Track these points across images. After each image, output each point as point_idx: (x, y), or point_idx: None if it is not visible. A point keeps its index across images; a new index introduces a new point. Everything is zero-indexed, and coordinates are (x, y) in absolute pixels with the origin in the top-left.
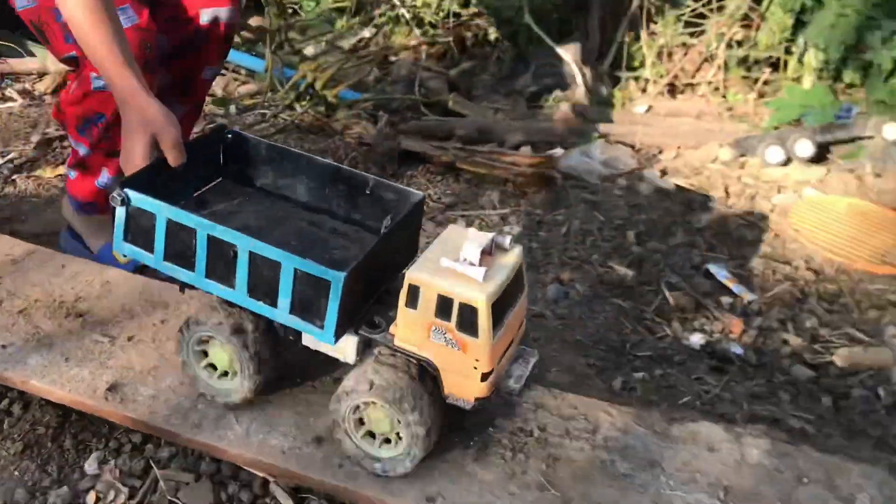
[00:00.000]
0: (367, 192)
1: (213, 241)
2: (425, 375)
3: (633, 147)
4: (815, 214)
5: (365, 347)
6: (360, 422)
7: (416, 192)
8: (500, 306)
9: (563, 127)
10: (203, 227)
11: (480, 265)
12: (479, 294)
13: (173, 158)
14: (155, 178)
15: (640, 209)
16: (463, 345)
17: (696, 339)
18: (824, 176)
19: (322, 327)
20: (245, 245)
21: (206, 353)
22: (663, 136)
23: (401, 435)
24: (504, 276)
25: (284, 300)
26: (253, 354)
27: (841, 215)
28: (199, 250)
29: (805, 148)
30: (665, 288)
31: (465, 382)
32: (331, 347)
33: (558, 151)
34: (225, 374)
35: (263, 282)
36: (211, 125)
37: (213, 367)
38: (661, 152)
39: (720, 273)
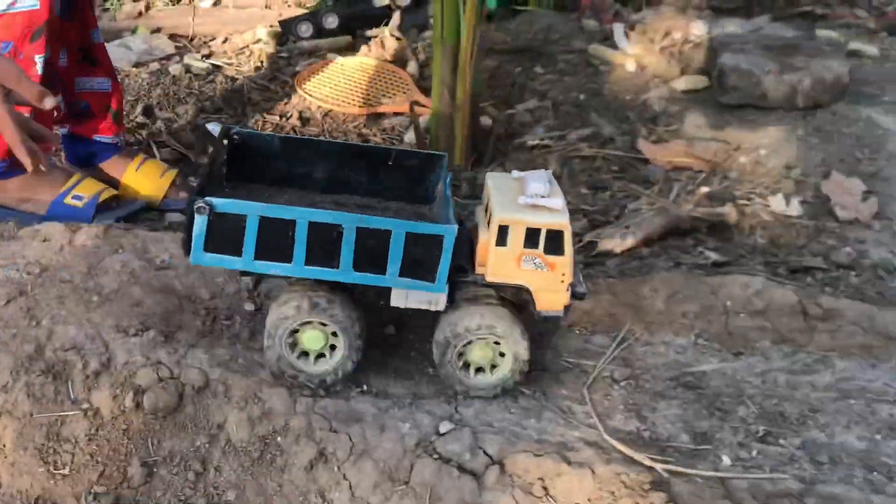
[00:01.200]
0: (390, 163)
1: (314, 227)
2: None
3: (187, 37)
4: (324, 75)
5: (451, 293)
6: (460, 356)
7: (439, 153)
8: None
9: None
10: (303, 215)
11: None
12: (562, 219)
13: (36, 97)
14: (209, 181)
15: (160, 87)
16: (551, 265)
17: None
18: (350, 43)
19: (434, 280)
20: (349, 220)
21: (295, 344)
22: (218, 25)
23: (496, 364)
24: (563, 202)
25: (394, 264)
26: (351, 326)
27: (344, 73)
28: (298, 239)
29: (332, 21)
30: None
31: (554, 297)
32: (421, 301)
33: None
34: (321, 356)
35: (368, 254)
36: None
37: (305, 353)
38: (212, 40)
39: (214, 129)
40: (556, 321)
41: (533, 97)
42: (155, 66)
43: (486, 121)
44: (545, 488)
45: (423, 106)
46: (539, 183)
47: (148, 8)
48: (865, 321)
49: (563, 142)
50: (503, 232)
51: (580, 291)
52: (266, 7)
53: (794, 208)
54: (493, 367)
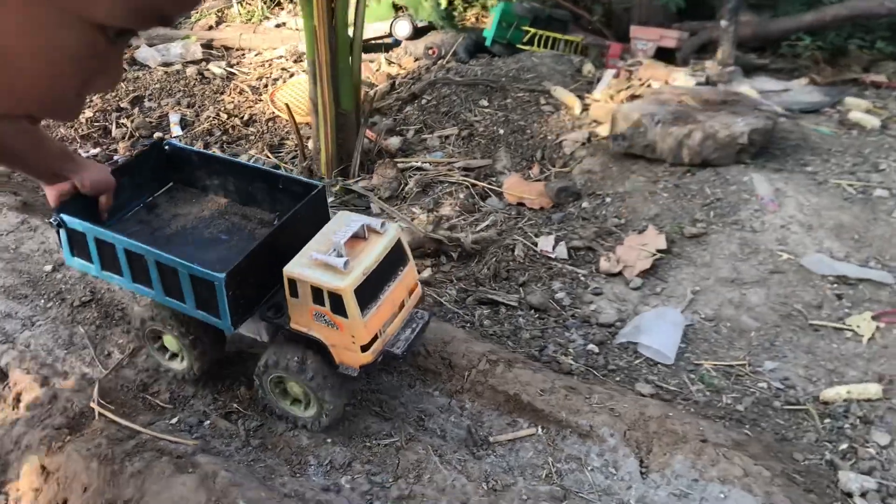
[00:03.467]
0: (280, 186)
1: (129, 253)
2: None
3: (234, 49)
4: (291, 89)
5: (275, 330)
6: (285, 392)
7: (316, 182)
8: (372, 286)
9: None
10: (119, 241)
11: (350, 252)
12: (340, 283)
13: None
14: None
15: (161, 83)
16: (339, 324)
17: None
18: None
19: (222, 318)
20: (151, 256)
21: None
22: (261, 42)
23: (311, 400)
24: (372, 259)
25: (190, 298)
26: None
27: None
28: (121, 260)
29: None
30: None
31: (349, 354)
32: (247, 332)
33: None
34: (176, 355)
35: (174, 283)
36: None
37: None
38: (247, 52)
39: (175, 118)
40: (354, 377)
41: (457, 125)
42: (177, 67)
43: (370, 137)
44: None
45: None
46: (344, 235)
47: (219, 23)
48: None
49: (446, 167)
50: (293, 285)
51: (394, 353)
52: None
53: (560, 252)
54: (308, 403)
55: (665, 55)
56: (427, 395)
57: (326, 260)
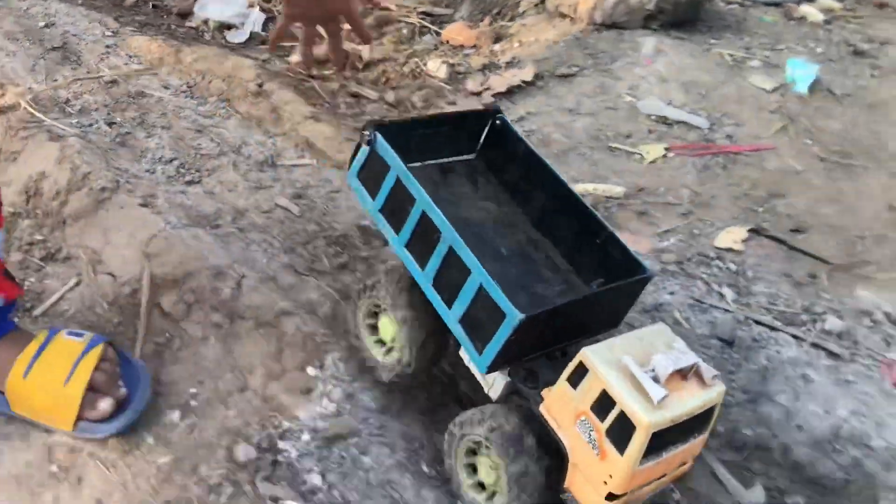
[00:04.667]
0: (597, 241)
1: (424, 218)
2: (553, 454)
3: None
4: None
5: (511, 393)
6: (472, 466)
7: (647, 265)
8: (666, 437)
9: None
10: (422, 201)
11: (666, 384)
12: (644, 416)
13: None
14: (409, 133)
15: None
16: (604, 453)
17: None
18: None
19: (480, 352)
20: (449, 237)
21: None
22: None
23: (498, 494)
24: (685, 409)
25: (460, 307)
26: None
27: None
28: (410, 219)
29: None
30: None
31: (587, 489)
32: (479, 373)
33: None
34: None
35: (451, 279)
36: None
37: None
38: None
39: None
40: None
41: None
42: None
43: None
44: None
45: None
46: (668, 362)
47: None
48: None
49: (408, 10)
50: (580, 373)
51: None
52: None
53: (441, 72)
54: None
55: None
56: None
57: (641, 378)
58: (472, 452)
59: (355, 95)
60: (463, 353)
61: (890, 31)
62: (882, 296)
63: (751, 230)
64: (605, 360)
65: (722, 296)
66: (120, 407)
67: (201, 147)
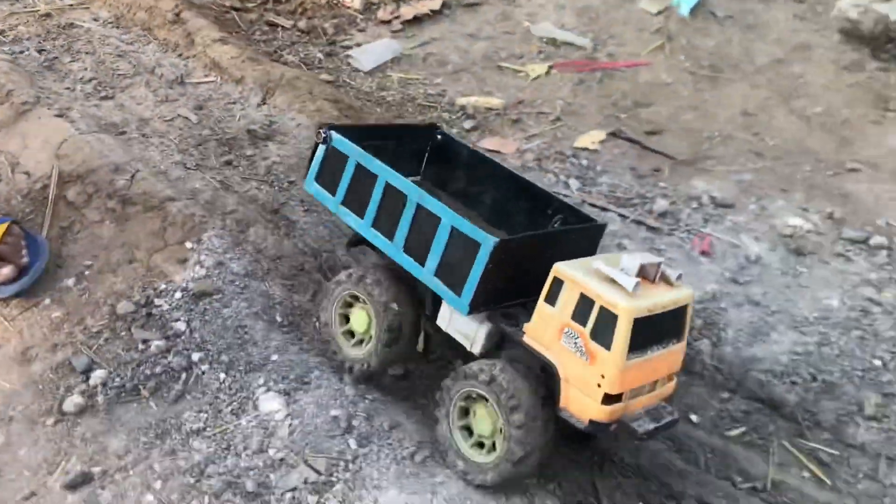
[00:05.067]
0: (549, 211)
1: (388, 190)
2: (544, 390)
3: None
4: None
5: (494, 344)
6: (465, 412)
7: (598, 220)
8: (645, 332)
9: None
10: (385, 174)
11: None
12: (622, 301)
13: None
14: (358, 140)
15: None
16: (592, 355)
17: None
18: None
19: (460, 293)
20: (415, 195)
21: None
22: None
23: (496, 445)
24: (658, 301)
25: (434, 259)
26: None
27: None
28: (373, 198)
29: None
30: None
31: (584, 400)
32: (461, 331)
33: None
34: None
35: (420, 239)
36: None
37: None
38: None
39: None
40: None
41: None
42: None
43: None
44: None
45: None
46: (635, 260)
47: None
48: None
49: None
50: (556, 287)
51: (633, 427)
52: None
53: (356, 4)
54: (493, 447)
55: None
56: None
57: (613, 274)
58: (465, 413)
59: (271, 24)
60: (441, 317)
61: None
62: (714, 184)
63: (610, 133)
64: (577, 268)
65: (568, 185)
66: (21, 273)
67: (119, 69)
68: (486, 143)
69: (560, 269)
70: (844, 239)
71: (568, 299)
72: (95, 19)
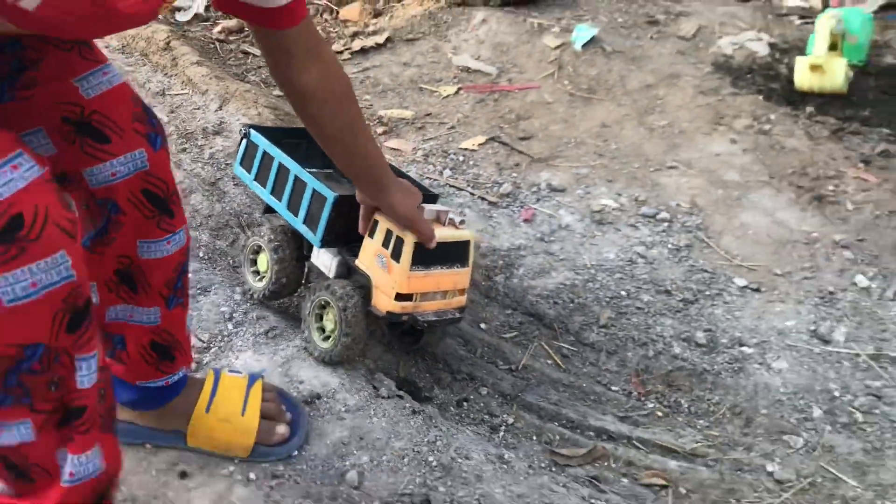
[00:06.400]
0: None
1: (280, 169)
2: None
3: None
4: None
5: (344, 272)
6: (319, 317)
7: (436, 192)
8: (428, 254)
9: None
10: (279, 158)
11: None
12: (409, 234)
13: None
14: (273, 139)
15: None
16: (390, 268)
17: None
18: None
19: (315, 232)
20: (294, 170)
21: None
22: None
23: (333, 335)
24: (439, 235)
25: (303, 212)
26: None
27: None
28: (272, 175)
29: None
30: None
31: (384, 298)
32: (323, 263)
33: None
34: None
35: (297, 200)
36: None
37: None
38: None
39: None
40: (376, 317)
41: None
42: None
43: None
44: None
45: None
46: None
47: None
48: None
49: None
50: (374, 226)
51: (418, 319)
52: None
53: None
54: (329, 337)
55: None
56: None
57: None
58: (320, 315)
59: (245, 52)
60: (314, 258)
61: (693, 6)
62: (556, 175)
63: (489, 138)
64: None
65: (442, 174)
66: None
67: None
68: (390, 143)
69: (377, 215)
70: (639, 214)
71: (380, 232)
72: (106, 46)
